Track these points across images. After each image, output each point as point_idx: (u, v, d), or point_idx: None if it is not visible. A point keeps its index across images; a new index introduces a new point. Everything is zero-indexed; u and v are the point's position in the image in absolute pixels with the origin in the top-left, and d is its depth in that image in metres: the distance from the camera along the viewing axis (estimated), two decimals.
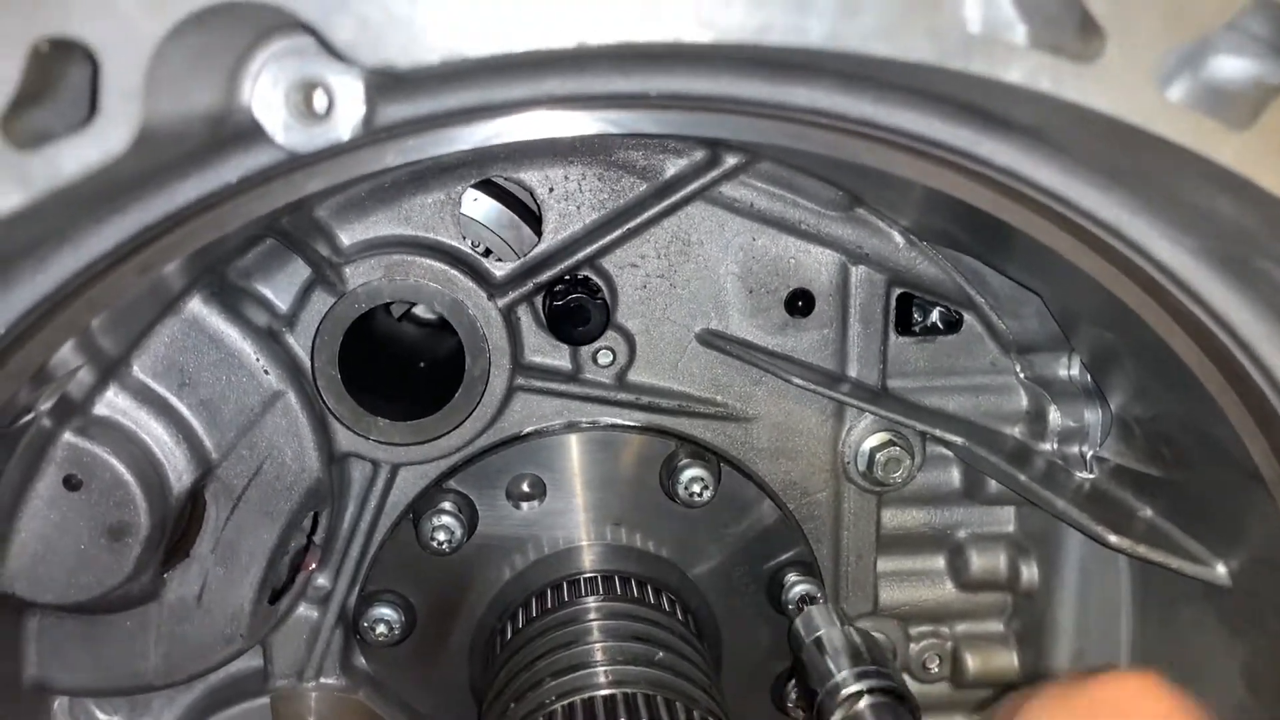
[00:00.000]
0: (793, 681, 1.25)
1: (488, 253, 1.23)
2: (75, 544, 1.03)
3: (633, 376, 1.22)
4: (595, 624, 1.15)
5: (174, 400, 1.07)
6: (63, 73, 0.53)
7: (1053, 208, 0.84)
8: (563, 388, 1.21)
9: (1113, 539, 1.08)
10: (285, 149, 0.67)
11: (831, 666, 1.04)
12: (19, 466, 0.99)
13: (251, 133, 0.67)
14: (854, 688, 1.00)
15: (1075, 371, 1.24)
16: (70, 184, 0.52)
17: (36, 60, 0.50)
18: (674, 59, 0.61)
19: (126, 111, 0.51)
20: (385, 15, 0.56)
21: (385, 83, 0.67)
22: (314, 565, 1.20)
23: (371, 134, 0.70)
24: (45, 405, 0.97)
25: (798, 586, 1.25)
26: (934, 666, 1.36)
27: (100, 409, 1.04)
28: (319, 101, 0.67)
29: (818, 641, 1.09)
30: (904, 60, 0.57)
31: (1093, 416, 1.23)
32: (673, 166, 1.16)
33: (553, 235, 1.17)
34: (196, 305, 1.07)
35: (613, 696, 1.03)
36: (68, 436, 1.01)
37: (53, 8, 0.49)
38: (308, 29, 0.57)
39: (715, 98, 0.74)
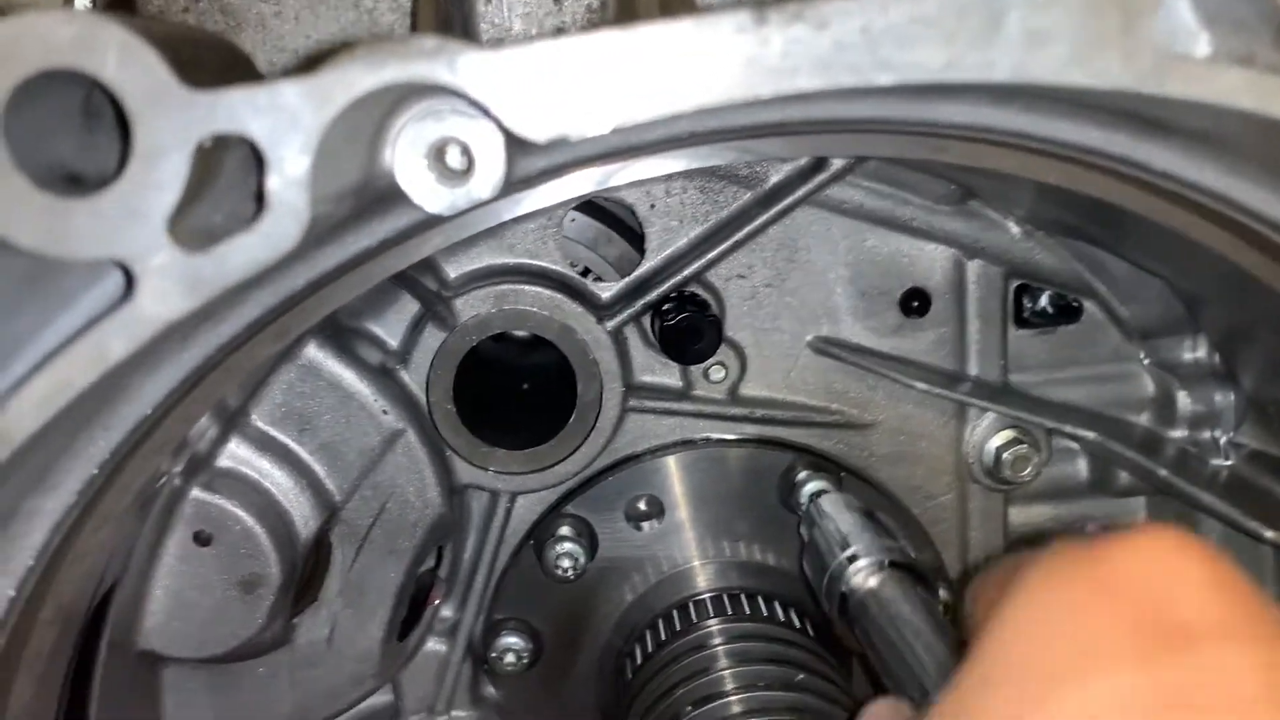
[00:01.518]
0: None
1: (586, 272, 1.21)
2: (209, 599, 1.03)
3: (745, 390, 1.20)
4: (723, 648, 1.13)
5: (295, 447, 1.07)
6: (221, 164, 0.51)
7: (1196, 200, 0.80)
8: (675, 406, 1.19)
9: (1269, 534, 1.04)
10: (428, 213, 0.65)
11: (839, 545, 0.97)
12: (153, 527, 0.99)
13: (393, 197, 0.65)
14: (864, 562, 0.93)
15: (1202, 354, 1.19)
16: (239, 283, 0.50)
17: (201, 158, 0.48)
18: (832, 97, 0.58)
19: (295, 206, 0.50)
20: (559, 96, 0.53)
21: (520, 140, 0.65)
22: (439, 598, 1.20)
23: (507, 188, 0.68)
24: (176, 466, 0.97)
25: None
26: None
27: (224, 461, 1.04)
28: (455, 160, 0.65)
29: (827, 523, 1.02)
30: (1098, 89, 0.53)
31: (1224, 400, 1.19)
32: (777, 173, 1.13)
33: (657, 252, 1.15)
34: (311, 350, 1.06)
35: None
36: (195, 493, 1.01)
37: (217, 105, 0.47)
38: (468, 99, 0.55)
39: (857, 120, 0.71)
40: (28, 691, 0.80)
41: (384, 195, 0.65)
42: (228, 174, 0.53)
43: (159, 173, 0.48)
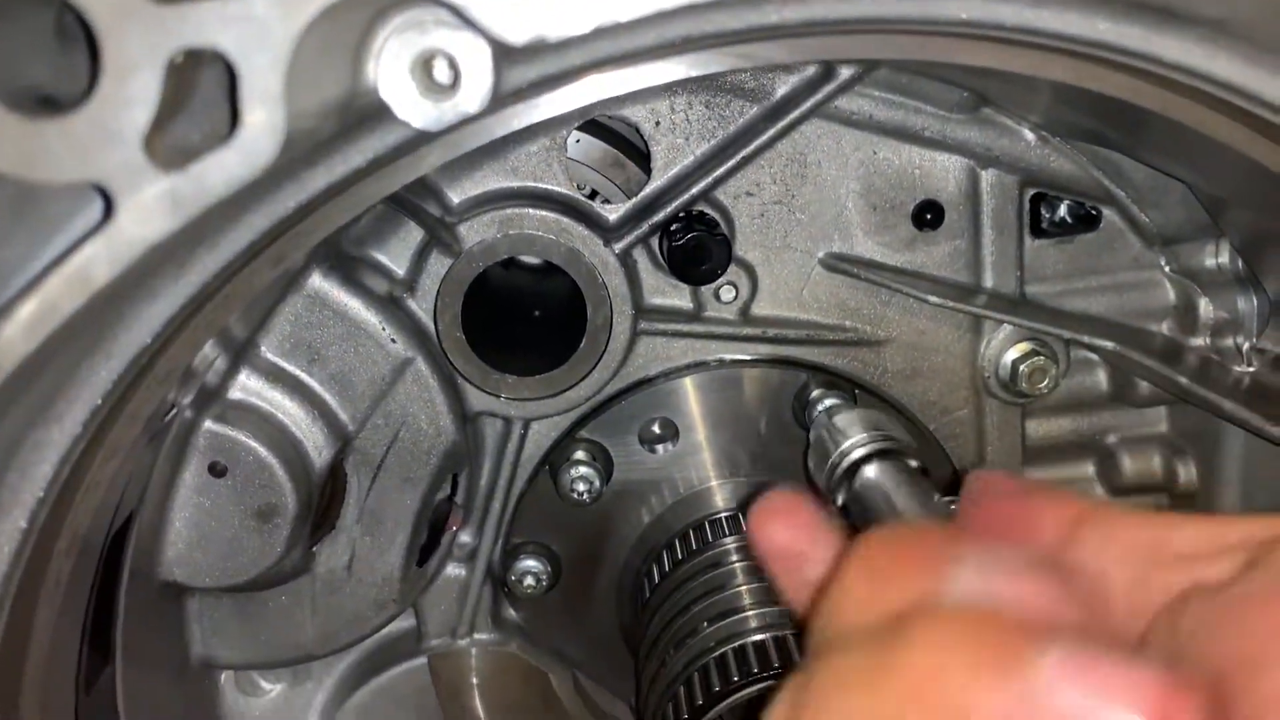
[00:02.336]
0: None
1: (593, 195, 1.19)
2: (227, 529, 1.04)
3: (756, 310, 1.18)
4: (739, 565, 1.13)
5: (305, 377, 1.07)
6: (195, 82, 0.50)
7: (1214, 94, 0.77)
8: (686, 328, 1.18)
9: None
10: (415, 129, 0.64)
11: (839, 439, 0.95)
12: (167, 459, 1.00)
13: (378, 114, 0.64)
14: (859, 452, 0.91)
15: (1225, 259, 1.16)
16: (219, 201, 0.49)
17: (173, 74, 0.47)
18: None
19: (270, 120, 0.48)
20: None
21: (511, 49, 0.63)
22: (457, 525, 1.20)
23: (497, 102, 0.67)
24: (186, 398, 0.97)
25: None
26: None
27: (235, 393, 1.04)
28: (442, 74, 0.64)
29: (830, 422, 1.02)
30: None
31: (1247, 306, 1.16)
32: (784, 85, 1.10)
33: (663, 171, 1.13)
34: (317, 280, 1.05)
35: (764, 642, 1.01)
36: (208, 425, 1.02)
37: (185, 19, 0.46)
38: (446, 5, 0.53)
39: (857, 19, 0.68)
40: (50, 619, 0.82)
41: (370, 112, 0.64)
42: (204, 93, 0.52)
43: (130, 90, 0.47)
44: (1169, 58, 0.72)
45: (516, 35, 0.54)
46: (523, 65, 0.66)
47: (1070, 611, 0.46)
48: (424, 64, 0.63)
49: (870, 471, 0.86)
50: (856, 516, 0.85)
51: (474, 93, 0.64)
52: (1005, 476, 0.61)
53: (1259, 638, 0.43)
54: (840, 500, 0.88)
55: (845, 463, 0.91)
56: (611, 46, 0.65)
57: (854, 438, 0.94)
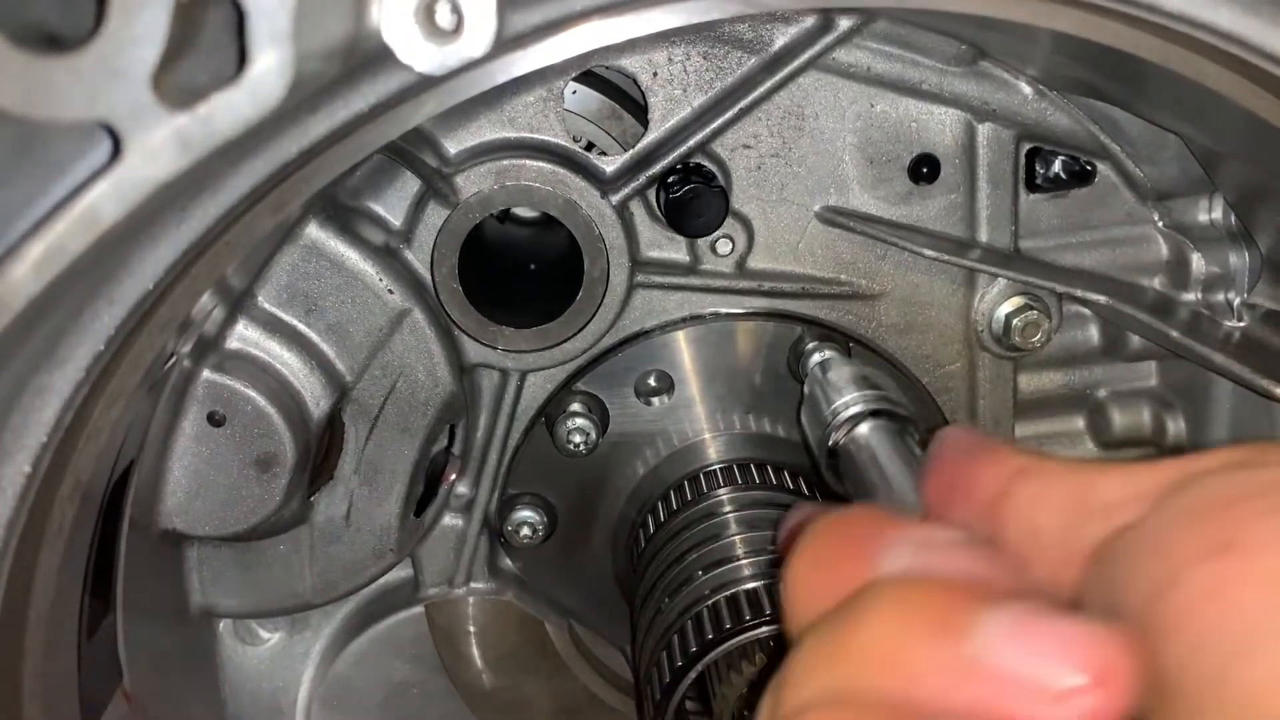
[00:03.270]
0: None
1: (590, 146, 1.19)
2: (225, 478, 1.05)
3: (752, 263, 1.19)
4: (733, 515, 1.14)
5: (302, 327, 1.07)
6: (202, 21, 0.50)
7: (1215, 46, 0.77)
8: (682, 280, 1.18)
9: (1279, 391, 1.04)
10: (417, 73, 0.64)
11: (833, 395, 0.98)
12: (165, 409, 1.00)
13: (381, 58, 0.63)
14: (851, 410, 0.93)
15: (1218, 215, 1.17)
16: (226, 141, 0.49)
17: (181, 12, 0.47)
18: None
19: (279, 60, 0.48)
20: None
21: None
22: (454, 475, 1.21)
23: (499, 47, 0.66)
24: (185, 348, 0.97)
25: None
26: None
27: (232, 343, 1.04)
28: (444, 18, 0.63)
29: (824, 377, 1.03)
30: None
31: (1239, 261, 1.17)
32: (782, 36, 1.10)
33: (660, 123, 1.12)
34: (313, 230, 1.05)
35: (757, 590, 1.03)
36: (206, 374, 1.02)
37: None
38: None
39: None
40: (53, 566, 0.82)
41: (373, 56, 0.63)
42: (211, 33, 0.52)
43: (138, 27, 0.47)
44: (1170, 7, 0.72)
45: None
46: (525, 9, 0.66)
47: (1003, 579, 0.48)
48: (426, 7, 0.63)
49: (861, 430, 0.87)
50: (846, 473, 0.86)
51: (478, 36, 0.63)
52: (962, 433, 0.62)
53: (1162, 567, 0.45)
54: (829, 455, 0.89)
55: (837, 420, 0.92)
56: None
57: (846, 396, 0.95)
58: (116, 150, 0.50)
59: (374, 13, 0.61)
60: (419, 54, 0.62)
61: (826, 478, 0.93)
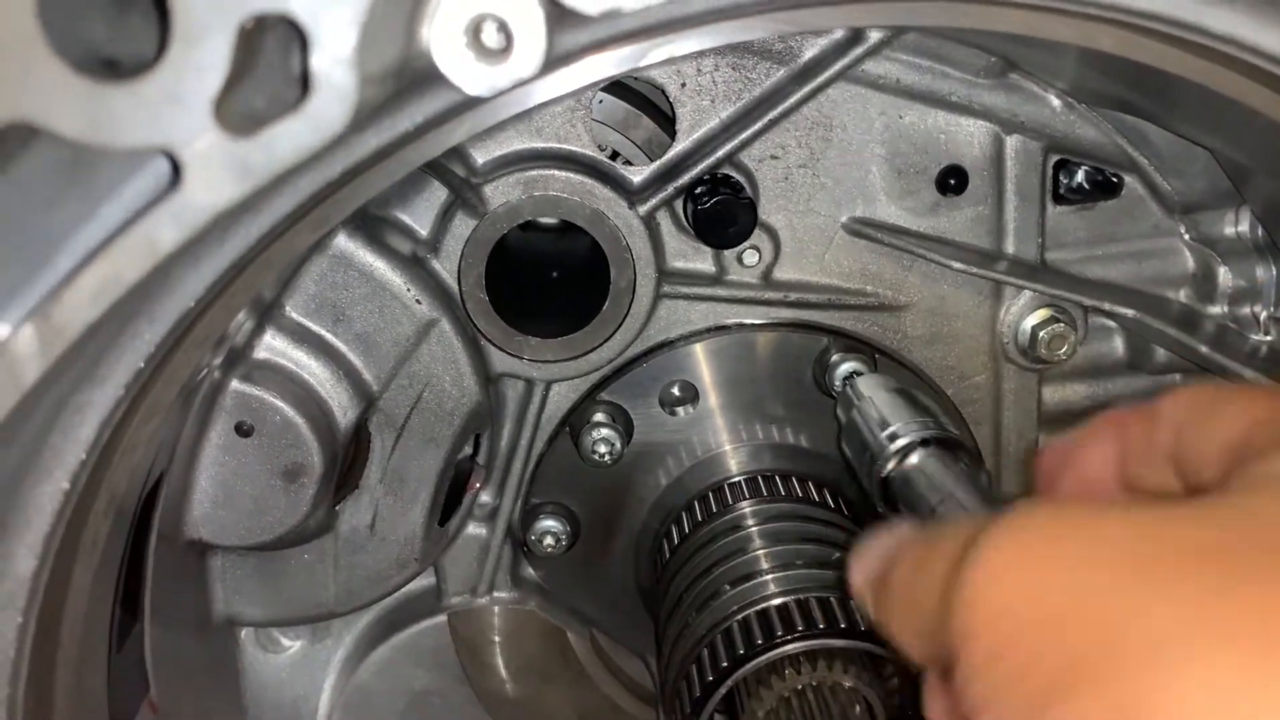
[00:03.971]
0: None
1: (614, 155, 1.19)
2: (253, 488, 1.05)
3: (779, 274, 1.18)
4: (758, 528, 1.14)
5: (330, 337, 1.07)
6: (260, 47, 0.49)
7: (1260, 67, 0.77)
8: (709, 291, 1.18)
9: None
10: (468, 94, 0.63)
11: (879, 425, 0.93)
12: (195, 420, 1.00)
13: (430, 78, 0.63)
14: (904, 440, 0.88)
15: (1244, 228, 1.17)
16: (286, 169, 0.49)
17: (244, 40, 0.46)
18: None
19: (342, 86, 0.48)
20: None
21: (564, 12, 0.63)
22: (479, 485, 1.21)
23: (547, 66, 0.66)
24: (215, 360, 0.97)
25: None
26: None
27: (261, 353, 1.04)
28: (492, 39, 0.63)
29: (865, 404, 0.99)
30: None
31: (1266, 274, 1.17)
32: (811, 48, 1.09)
33: (688, 134, 1.12)
34: (342, 240, 1.05)
35: (786, 605, 1.02)
36: (235, 385, 1.02)
37: None
38: None
39: None
40: (87, 580, 0.82)
41: (422, 76, 0.63)
42: (267, 56, 0.51)
43: (202, 55, 0.46)
44: (1219, 29, 0.71)
45: (591, 6, 0.54)
46: (574, 30, 0.66)
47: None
48: (475, 28, 0.62)
49: (913, 459, 0.86)
50: (902, 500, 0.86)
51: (527, 57, 0.63)
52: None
53: None
54: (880, 486, 0.89)
55: (886, 452, 0.90)
56: (665, 13, 0.65)
57: (894, 424, 0.93)
58: (176, 177, 0.49)
59: (424, 33, 0.61)
60: (469, 76, 0.62)
61: (878, 505, 0.92)
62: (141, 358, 0.70)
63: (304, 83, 0.49)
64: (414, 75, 0.62)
